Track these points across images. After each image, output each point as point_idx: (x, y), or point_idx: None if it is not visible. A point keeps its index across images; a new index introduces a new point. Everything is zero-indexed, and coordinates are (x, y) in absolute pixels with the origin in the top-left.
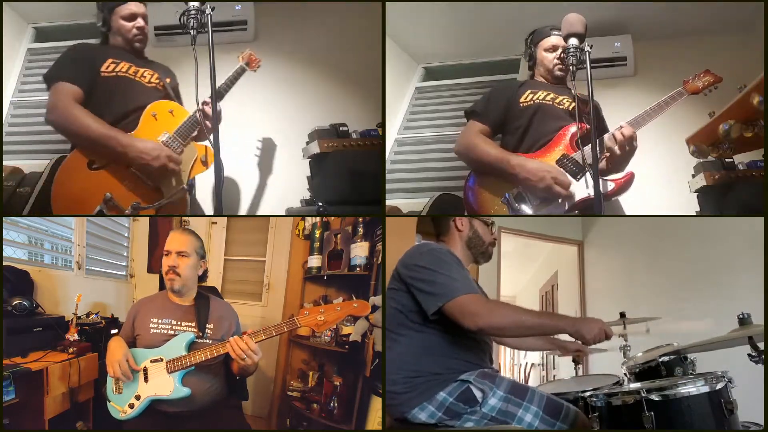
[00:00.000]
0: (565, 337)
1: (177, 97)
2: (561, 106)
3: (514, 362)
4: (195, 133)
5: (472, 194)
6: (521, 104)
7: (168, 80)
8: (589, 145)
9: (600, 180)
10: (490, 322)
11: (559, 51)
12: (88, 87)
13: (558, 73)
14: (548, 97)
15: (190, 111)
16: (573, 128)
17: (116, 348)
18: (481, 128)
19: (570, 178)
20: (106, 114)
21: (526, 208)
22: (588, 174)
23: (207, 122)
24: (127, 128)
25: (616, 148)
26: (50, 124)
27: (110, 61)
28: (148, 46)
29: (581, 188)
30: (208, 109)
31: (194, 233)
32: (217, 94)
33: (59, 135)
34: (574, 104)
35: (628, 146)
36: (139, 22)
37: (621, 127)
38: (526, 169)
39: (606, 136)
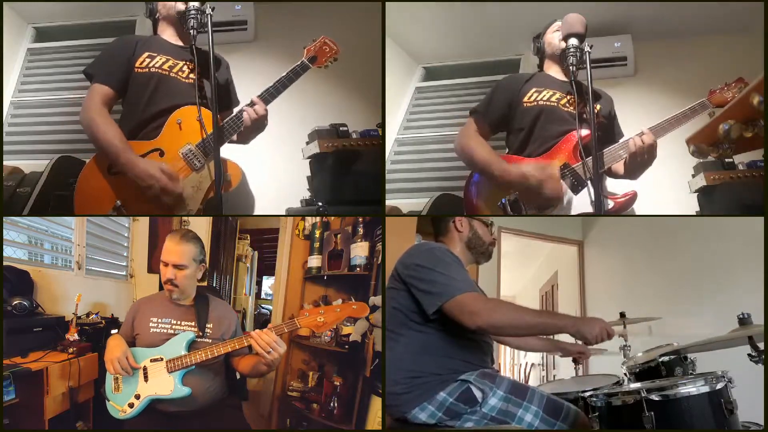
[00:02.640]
0: (566, 337)
1: (224, 94)
2: (567, 108)
3: (514, 362)
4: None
5: (475, 189)
6: (525, 104)
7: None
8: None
9: (600, 193)
10: (489, 321)
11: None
12: (121, 86)
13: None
14: (554, 98)
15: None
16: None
17: (115, 345)
18: (478, 128)
19: (569, 190)
20: (137, 114)
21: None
22: (588, 187)
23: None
24: (151, 135)
25: (632, 153)
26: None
27: (146, 55)
28: None
29: (580, 202)
30: (253, 112)
31: (192, 239)
32: (268, 98)
33: (59, 135)
34: (581, 104)
35: (647, 155)
36: None
37: (642, 133)
38: (509, 178)
39: (622, 142)
